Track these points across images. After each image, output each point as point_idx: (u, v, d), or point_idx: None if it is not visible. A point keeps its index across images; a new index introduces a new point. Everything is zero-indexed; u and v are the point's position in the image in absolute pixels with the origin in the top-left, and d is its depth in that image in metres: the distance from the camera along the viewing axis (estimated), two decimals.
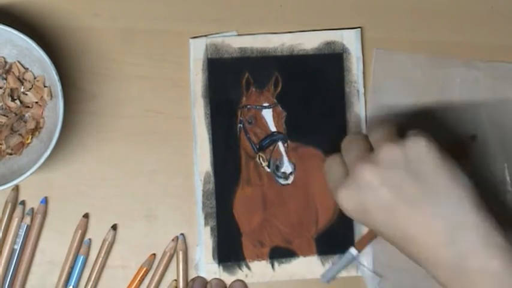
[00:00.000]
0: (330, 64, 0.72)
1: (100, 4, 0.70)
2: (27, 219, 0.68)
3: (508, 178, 0.73)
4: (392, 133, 0.61)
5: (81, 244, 0.69)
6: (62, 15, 0.70)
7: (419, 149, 0.59)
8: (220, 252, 0.71)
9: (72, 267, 0.69)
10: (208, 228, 0.71)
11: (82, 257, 0.69)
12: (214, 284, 0.70)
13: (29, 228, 0.69)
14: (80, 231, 0.69)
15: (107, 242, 0.69)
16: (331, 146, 0.71)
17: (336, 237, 0.72)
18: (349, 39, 0.72)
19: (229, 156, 0.71)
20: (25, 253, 0.69)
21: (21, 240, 0.68)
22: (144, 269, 0.69)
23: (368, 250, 0.71)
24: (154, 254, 0.70)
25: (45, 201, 0.69)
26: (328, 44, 0.72)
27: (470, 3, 0.74)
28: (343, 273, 0.71)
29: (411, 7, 0.73)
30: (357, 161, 0.60)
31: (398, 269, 0.72)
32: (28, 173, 0.63)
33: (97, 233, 0.70)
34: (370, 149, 0.62)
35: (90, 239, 0.70)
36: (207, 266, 0.71)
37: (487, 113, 0.73)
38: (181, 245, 0.70)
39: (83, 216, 0.69)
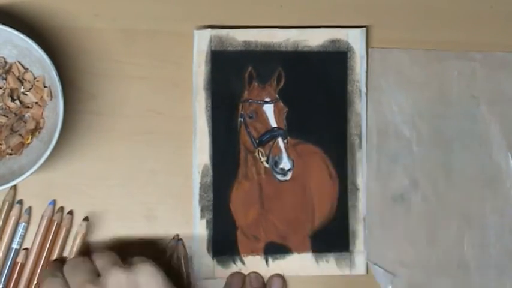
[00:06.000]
0: (333, 62, 0.72)
1: (100, 4, 0.70)
2: (25, 218, 0.69)
3: None
4: (118, 259, 0.63)
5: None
6: (62, 16, 0.70)
7: (147, 274, 0.61)
8: (215, 245, 0.70)
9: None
10: (204, 221, 0.70)
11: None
12: (253, 278, 0.70)
13: (26, 227, 0.69)
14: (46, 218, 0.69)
15: (81, 234, 0.68)
16: (331, 144, 0.71)
17: (331, 235, 0.71)
18: (354, 38, 0.72)
19: (228, 150, 0.71)
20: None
21: (21, 240, 0.68)
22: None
23: (377, 247, 0.71)
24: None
25: (54, 203, 0.69)
26: (333, 41, 0.72)
27: (471, 3, 0.74)
28: (346, 272, 0.71)
29: (417, 8, 0.73)
30: (83, 285, 0.61)
31: (410, 265, 0.71)
32: (28, 173, 0.63)
33: (97, 233, 0.70)
34: (97, 273, 0.62)
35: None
36: (201, 259, 0.70)
37: (486, 105, 0.73)
38: (181, 249, 0.70)
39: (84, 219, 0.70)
